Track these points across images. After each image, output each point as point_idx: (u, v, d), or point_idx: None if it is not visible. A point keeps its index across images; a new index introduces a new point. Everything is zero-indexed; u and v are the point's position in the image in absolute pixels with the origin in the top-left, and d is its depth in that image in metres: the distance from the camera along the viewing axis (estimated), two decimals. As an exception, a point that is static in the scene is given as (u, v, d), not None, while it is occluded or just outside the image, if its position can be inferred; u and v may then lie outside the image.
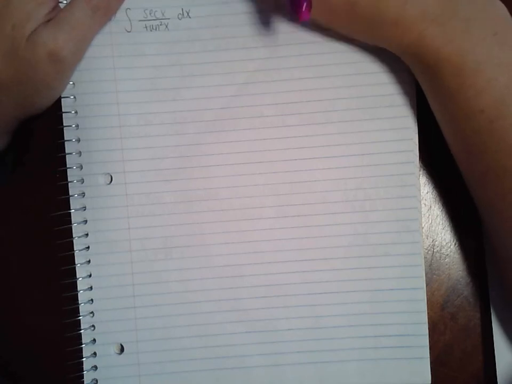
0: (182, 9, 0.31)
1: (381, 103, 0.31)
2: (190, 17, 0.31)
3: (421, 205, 0.31)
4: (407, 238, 0.31)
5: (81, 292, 0.31)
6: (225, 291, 0.31)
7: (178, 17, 0.31)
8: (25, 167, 0.32)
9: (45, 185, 0.32)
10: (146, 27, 0.31)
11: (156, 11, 0.31)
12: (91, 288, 0.31)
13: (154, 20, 0.31)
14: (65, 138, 0.31)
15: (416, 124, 0.31)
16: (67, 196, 0.31)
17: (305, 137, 0.31)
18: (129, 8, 0.30)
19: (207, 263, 0.31)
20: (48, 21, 0.28)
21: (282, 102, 0.31)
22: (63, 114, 0.31)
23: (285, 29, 0.31)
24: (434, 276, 0.32)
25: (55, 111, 0.31)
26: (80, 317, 0.31)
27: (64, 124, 0.31)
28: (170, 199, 0.31)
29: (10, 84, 0.28)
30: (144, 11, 0.31)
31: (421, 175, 0.32)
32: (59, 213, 0.31)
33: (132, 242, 0.31)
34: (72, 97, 0.31)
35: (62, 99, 0.30)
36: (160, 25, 0.31)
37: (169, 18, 0.31)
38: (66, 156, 0.31)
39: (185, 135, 0.31)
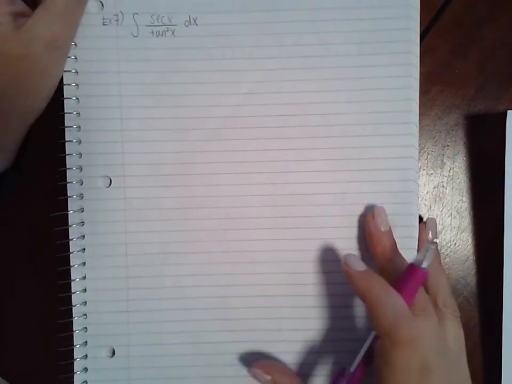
0: (189, 16, 0.31)
1: (383, 119, 0.31)
2: (196, 25, 0.31)
3: (417, 221, 0.31)
4: (403, 253, 0.31)
5: (75, 293, 0.31)
6: (219, 299, 0.31)
7: (185, 24, 0.31)
8: (25, 167, 0.32)
9: (44, 185, 0.32)
10: (152, 32, 0.31)
11: (163, 17, 0.31)
12: (85, 290, 0.31)
13: (161, 25, 0.31)
14: (66, 139, 0.31)
15: (417, 141, 0.31)
16: (65, 197, 0.31)
17: (306, 150, 0.31)
18: (137, 13, 0.30)
19: (202, 270, 0.31)
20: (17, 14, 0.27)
21: (284, 114, 0.31)
22: (65, 115, 0.30)
23: (290, 41, 0.31)
24: None
25: (57, 111, 0.31)
26: (73, 318, 0.31)
27: (66, 125, 0.31)
28: (168, 205, 0.31)
29: (10, 91, 0.28)
30: (151, 16, 0.31)
31: (421, 175, 0.33)
32: (56, 213, 0.31)
33: (128, 246, 0.31)
34: (75, 98, 0.31)
35: (64, 100, 0.30)
36: (167, 31, 0.31)
37: (176, 25, 0.31)
38: (67, 156, 0.31)
39: (187, 142, 0.31)
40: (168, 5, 0.31)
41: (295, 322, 0.31)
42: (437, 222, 0.33)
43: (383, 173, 0.31)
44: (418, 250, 0.31)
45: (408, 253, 0.30)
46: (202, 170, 0.31)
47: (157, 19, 0.31)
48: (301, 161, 0.31)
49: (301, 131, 0.31)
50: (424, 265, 0.27)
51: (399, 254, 0.29)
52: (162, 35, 0.31)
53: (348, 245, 0.31)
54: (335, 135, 0.31)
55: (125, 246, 0.31)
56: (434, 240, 0.27)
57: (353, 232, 0.31)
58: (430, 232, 0.31)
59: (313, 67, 0.31)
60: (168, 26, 0.31)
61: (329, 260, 0.31)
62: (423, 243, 0.30)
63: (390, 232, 0.30)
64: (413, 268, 0.27)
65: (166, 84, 0.31)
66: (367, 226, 0.30)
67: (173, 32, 0.31)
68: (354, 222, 0.31)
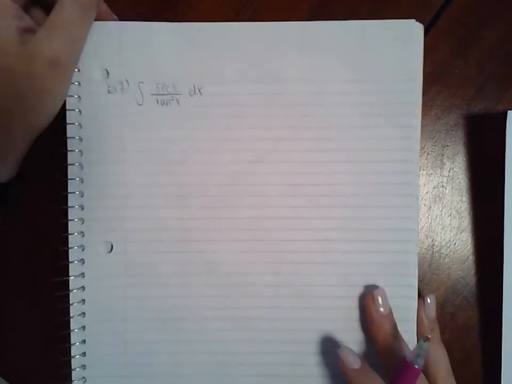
0: (194, 86, 0.31)
1: (385, 191, 0.31)
2: (201, 94, 0.31)
3: (416, 293, 0.31)
4: (402, 325, 0.31)
5: (74, 357, 0.31)
6: (216, 367, 0.31)
7: (189, 94, 0.31)
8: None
9: (46, 186, 0.32)
10: (157, 101, 0.31)
11: (168, 86, 0.31)
12: (84, 354, 0.31)
13: (166, 94, 0.31)
14: (68, 205, 0.31)
15: (418, 214, 0.31)
16: (66, 262, 0.31)
17: (307, 219, 0.31)
18: (142, 82, 0.31)
19: (199, 337, 0.31)
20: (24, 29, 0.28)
21: (287, 183, 0.31)
22: (69, 181, 0.31)
23: (294, 113, 0.31)
24: (434, 276, 0.33)
25: (60, 176, 0.31)
26: (73, 382, 0.31)
27: (69, 191, 0.31)
28: (168, 271, 0.31)
29: (11, 106, 0.28)
30: (157, 85, 0.31)
31: (421, 175, 0.33)
32: (58, 279, 0.31)
33: (127, 312, 0.31)
34: (77, 164, 0.31)
35: (68, 166, 0.31)
36: (172, 100, 0.31)
37: (180, 94, 0.31)
38: (69, 222, 0.31)
39: (188, 208, 0.31)
40: (173, 74, 0.31)
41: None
42: (437, 222, 0.33)
43: (383, 244, 0.31)
44: (417, 328, 0.31)
45: (407, 325, 0.31)
46: (203, 237, 0.31)
47: (162, 88, 0.31)
48: (302, 230, 0.31)
49: (303, 200, 0.31)
50: (419, 363, 0.27)
51: (400, 340, 0.29)
52: (167, 104, 0.31)
53: (348, 315, 0.31)
54: (337, 205, 0.31)
55: (124, 311, 0.31)
56: (429, 336, 0.27)
57: (354, 302, 0.31)
58: (429, 309, 0.31)
59: (316, 138, 0.31)
60: (173, 95, 0.31)
61: (329, 330, 0.31)
62: (422, 321, 0.31)
63: (390, 314, 0.30)
64: (408, 365, 0.27)
65: (169, 151, 0.31)
66: (368, 311, 0.30)
67: (177, 101, 0.31)
68: (354, 292, 0.31)
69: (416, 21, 0.30)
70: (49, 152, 0.31)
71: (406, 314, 0.31)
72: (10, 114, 0.28)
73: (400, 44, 0.30)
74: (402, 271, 0.31)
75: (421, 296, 0.31)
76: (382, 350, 0.29)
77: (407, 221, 0.31)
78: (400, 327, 0.30)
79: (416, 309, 0.31)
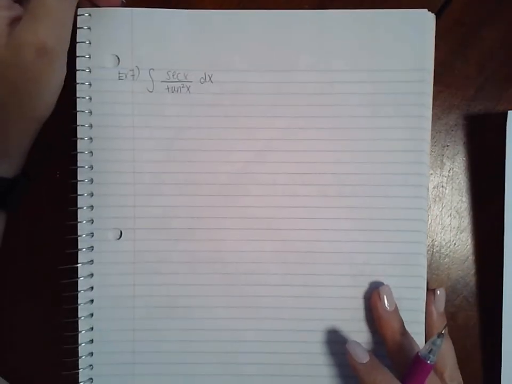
0: (205, 74, 0.31)
1: (394, 181, 0.31)
2: (212, 82, 0.31)
3: (425, 283, 0.31)
4: (410, 315, 0.31)
5: (82, 344, 0.31)
6: (224, 355, 0.31)
7: (200, 81, 0.31)
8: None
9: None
10: (168, 88, 0.31)
11: (178, 73, 0.31)
12: (92, 341, 0.31)
13: (176, 81, 0.31)
14: (78, 192, 0.31)
15: (427, 204, 0.31)
16: (75, 250, 0.31)
17: (316, 208, 0.31)
18: (153, 69, 0.31)
19: (208, 325, 0.31)
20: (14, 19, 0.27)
21: (295, 172, 0.31)
22: (78, 169, 0.31)
23: (304, 101, 0.31)
24: (434, 276, 0.33)
25: (69, 164, 0.31)
26: (79, 370, 0.31)
27: (78, 178, 0.31)
28: (177, 259, 0.31)
29: (5, 100, 0.27)
30: (167, 72, 0.31)
31: None
32: (66, 266, 0.31)
33: (136, 299, 0.31)
34: (87, 152, 0.31)
35: (78, 153, 0.31)
36: (182, 87, 0.31)
37: (191, 81, 0.31)
38: (78, 209, 0.31)
39: (197, 196, 0.31)
40: (184, 62, 0.31)
41: (301, 380, 0.31)
42: (437, 222, 0.33)
43: (392, 234, 0.31)
44: (426, 320, 0.31)
45: (415, 316, 0.31)
46: (212, 225, 0.31)
47: (173, 75, 0.31)
48: (310, 219, 0.31)
49: (312, 189, 0.31)
50: (431, 360, 0.27)
51: (408, 336, 0.29)
52: (177, 91, 0.31)
53: (355, 305, 0.31)
54: (346, 194, 0.31)
55: (132, 298, 0.31)
56: (442, 332, 0.27)
57: (361, 291, 0.31)
58: (439, 302, 0.31)
59: (326, 127, 0.31)
60: (183, 83, 0.31)
61: (336, 319, 0.31)
62: (431, 313, 0.31)
63: (396, 310, 0.30)
64: (420, 361, 0.27)
65: (179, 139, 0.31)
66: (375, 309, 0.30)
67: (188, 89, 0.31)
68: (361, 281, 0.31)
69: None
70: (48, 149, 0.32)
71: (414, 305, 0.31)
72: (5, 107, 0.28)
73: (411, 34, 0.30)
74: (412, 261, 0.31)
75: (430, 289, 0.31)
76: (391, 346, 0.29)
77: (416, 211, 0.31)
78: (408, 318, 0.30)
79: (424, 299, 0.31)
